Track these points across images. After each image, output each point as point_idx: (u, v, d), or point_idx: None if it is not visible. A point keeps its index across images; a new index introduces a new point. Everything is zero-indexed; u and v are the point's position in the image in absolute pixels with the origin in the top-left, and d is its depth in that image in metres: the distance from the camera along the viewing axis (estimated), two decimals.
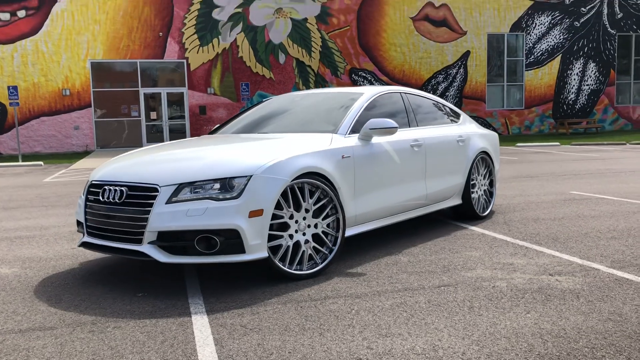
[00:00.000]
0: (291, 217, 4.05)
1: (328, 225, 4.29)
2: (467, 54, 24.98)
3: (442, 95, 24.75)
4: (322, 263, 4.20)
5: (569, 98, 26.62)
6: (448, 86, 24.90)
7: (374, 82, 23.91)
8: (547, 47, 26.04)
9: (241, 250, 3.78)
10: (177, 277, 4.25)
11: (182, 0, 21.84)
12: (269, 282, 4.06)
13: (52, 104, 21.01)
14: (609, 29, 26.65)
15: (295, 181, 4.03)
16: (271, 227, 3.96)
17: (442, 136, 5.78)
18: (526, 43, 25.74)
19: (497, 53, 25.56)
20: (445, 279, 4.03)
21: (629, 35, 27.06)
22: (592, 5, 26.29)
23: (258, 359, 2.78)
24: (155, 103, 22.24)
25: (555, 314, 3.28)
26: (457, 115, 6.43)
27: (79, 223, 4.41)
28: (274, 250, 4.00)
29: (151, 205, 3.80)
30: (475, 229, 5.73)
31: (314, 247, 4.19)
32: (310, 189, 4.18)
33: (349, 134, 4.73)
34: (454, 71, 24.96)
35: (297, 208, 4.10)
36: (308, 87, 23.35)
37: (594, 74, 26.79)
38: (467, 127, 6.35)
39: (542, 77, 26.13)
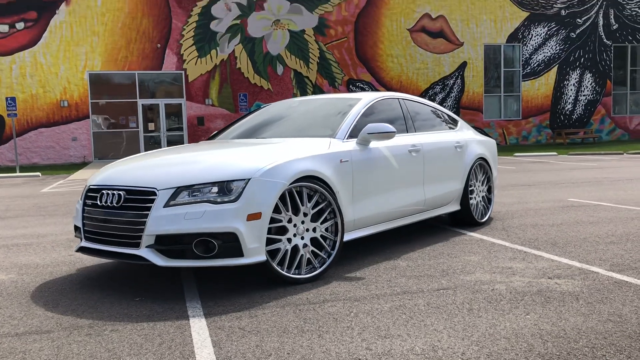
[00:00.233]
0: (290, 220, 4.04)
1: (326, 230, 4.28)
2: (464, 64, 25.09)
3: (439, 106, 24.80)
4: (320, 267, 4.18)
5: (566, 108, 26.72)
6: (445, 97, 24.99)
7: None
8: (544, 57, 26.18)
9: (239, 253, 3.77)
10: (174, 282, 4.23)
11: (180, 12, 21.95)
12: (267, 286, 4.04)
13: (50, 115, 21.03)
14: (605, 40, 26.82)
15: (293, 185, 4.02)
16: (270, 231, 3.95)
17: (440, 142, 5.79)
18: (523, 54, 25.88)
19: (494, 64, 25.68)
20: (444, 282, 4.02)
21: (624, 46, 27.22)
22: (588, 16, 26.47)
23: None
24: (153, 114, 22.26)
25: (554, 316, 3.27)
26: (455, 122, 6.44)
27: (76, 228, 4.39)
28: (272, 254, 3.98)
29: (149, 208, 3.79)
30: (474, 234, 5.72)
31: (312, 251, 4.17)
32: (309, 192, 4.17)
33: (347, 138, 4.74)
34: (451, 82, 25.06)
35: (296, 212, 4.09)
36: None
37: (591, 84, 26.92)
38: (464, 134, 6.36)
39: (539, 88, 26.24)
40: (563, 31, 26.26)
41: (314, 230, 4.18)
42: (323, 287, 3.98)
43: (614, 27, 26.85)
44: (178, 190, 3.81)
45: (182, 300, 3.78)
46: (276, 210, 3.96)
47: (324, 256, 4.24)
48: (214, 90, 22.48)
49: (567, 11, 26.23)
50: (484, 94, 25.49)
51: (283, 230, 4.03)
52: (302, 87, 23.39)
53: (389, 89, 24.20)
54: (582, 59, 26.63)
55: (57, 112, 21.08)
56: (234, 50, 22.50)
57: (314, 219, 4.21)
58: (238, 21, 22.52)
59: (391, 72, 24.26)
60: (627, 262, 4.46)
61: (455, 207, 6.02)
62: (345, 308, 3.50)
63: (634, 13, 27.08)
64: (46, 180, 14.87)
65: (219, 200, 3.76)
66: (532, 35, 25.94)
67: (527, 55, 25.94)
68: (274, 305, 3.59)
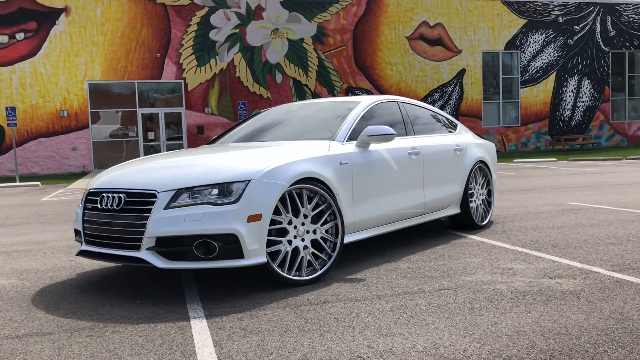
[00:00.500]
0: (290, 222, 4.04)
1: (327, 231, 4.28)
2: (462, 72, 25.17)
3: None
4: (321, 269, 4.18)
5: (565, 115, 26.78)
6: (444, 104, 25.05)
7: None
8: (542, 64, 26.26)
9: (240, 255, 3.77)
10: (175, 284, 4.23)
11: (179, 22, 22.04)
12: (267, 287, 4.03)
13: (50, 125, 21.05)
14: (603, 47, 26.93)
15: (293, 186, 4.03)
16: (270, 233, 3.94)
17: (439, 145, 5.80)
18: (521, 61, 25.97)
19: (493, 71, 25.76)
20: (445, 283, 4.01)
21: (622, 53, 27.33)
22: (585, 23, 26.59)
23: (258, 359, 2.75)
24: (153, 124, 22.29)
25: (556, 314, 3.26)
26: (454, 125, 6.46)
27: (76, 232, 4.39)
28: (272, 256, 3.98)
29: (149, 211, 3.79)
30: (474, 237, 5.72)
31: (312, 253, 4.17)
32: (309, 194, 4.18)
33: (347, 141, 4.75)
34: (450, 89, 25.13)
35: (296, 214, 4.09)
36: None
37: (589, 90, 26.99)
38: (464, 137, 6.37)
39: (538, 95, 26.31)
40: (561, 38, 26.37)
41: (314, 232, 4.18)
42: (324, 288, 3.98)
43: (612, 33, 26.96)
44: (178, 192, 3.81)
45: (182, 302, 3.77)
46: (276, 212, 3.96)
47: (325, 258, 4.24)
48: (213, 99, 22.52)
49: (564, 18, 26.35)
50: (482, 101, 25.55)
51: (283, 232, 4.03)
52: (301, 95, 23.44)
53: None
54: (580, 66, 26.73)
55: (57, 121, 21.11)
56: (233, 59, 22.57)
57: (314, 220, 4.21)
58: (237, 30, 22.60)
59: (390, 80, 24.32)
60: (627, 262, 4.46)
61: (455, 210, 6.03)
62: (346, 308, 3.50)
63: (631, 19, 27.21)
64: (46, 189, 14.87)
65: (219, 201, 3.76)
66: (530, 42, 26.04)
67: (525, 62, 26.02)
68: (275, 306, 3.58)
